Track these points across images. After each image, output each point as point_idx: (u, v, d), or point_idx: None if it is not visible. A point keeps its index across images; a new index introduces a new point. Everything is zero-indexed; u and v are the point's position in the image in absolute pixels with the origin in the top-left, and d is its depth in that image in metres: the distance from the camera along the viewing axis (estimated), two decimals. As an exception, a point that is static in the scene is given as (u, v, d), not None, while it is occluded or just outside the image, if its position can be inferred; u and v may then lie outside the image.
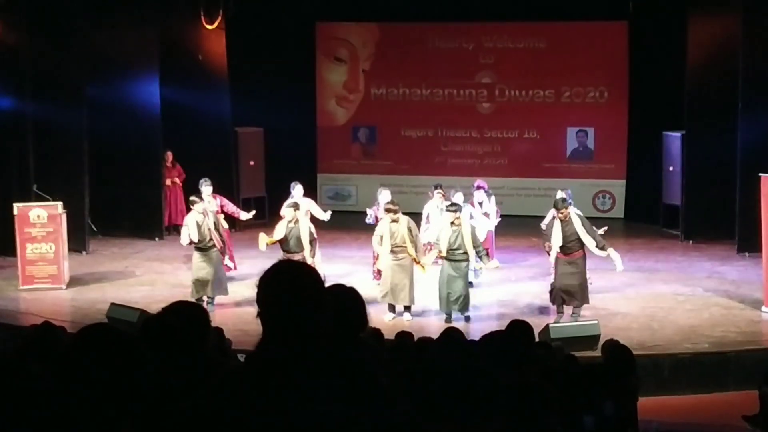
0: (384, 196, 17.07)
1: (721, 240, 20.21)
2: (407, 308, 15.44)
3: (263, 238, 15.95)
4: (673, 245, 20.90)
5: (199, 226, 15.74)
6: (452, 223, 15.09)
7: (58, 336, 8.97)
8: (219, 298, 16.00)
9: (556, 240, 14.82)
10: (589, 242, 14.84)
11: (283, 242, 15.68)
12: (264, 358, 3.42)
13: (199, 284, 15.81)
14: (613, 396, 9.16)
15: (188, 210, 16.72)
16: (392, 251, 15.36)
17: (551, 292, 15.20)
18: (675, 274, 18.37)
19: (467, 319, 15.21)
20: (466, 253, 15.01)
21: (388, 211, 15.44)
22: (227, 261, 16.65)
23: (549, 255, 15.06)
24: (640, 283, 17.64)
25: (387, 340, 10.04)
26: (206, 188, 17.08)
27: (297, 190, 17.30)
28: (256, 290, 3.50)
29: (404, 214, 17.54)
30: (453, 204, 15.96)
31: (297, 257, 15.12)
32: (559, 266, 15.06)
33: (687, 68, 20.68)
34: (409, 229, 15.36)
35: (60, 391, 3.65)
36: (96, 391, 3.55)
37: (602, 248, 14.96)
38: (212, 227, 15.87)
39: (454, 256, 15.03)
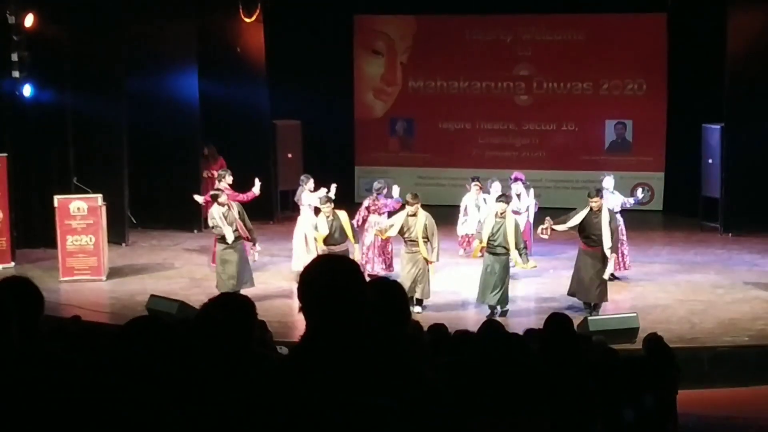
0: (395, 191, 17.03)
1: (761, 233, 20.08)
2: (419, 301, 15.38)
3: (319, 237, 15.80)
4: (712, 238, 20.78)
5: (225, 219, 15.63)
6: (497, 214, 15.02)
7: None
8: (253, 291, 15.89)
9: (572, 223, 14.90)
10: (606, 241, 14.76)
11: (328, 237, 15.65)
12: (308, 352, 3.44)
13: (225, 277, 15.62)
14: (653, 389, 9.14)
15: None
16: (406, 243, 15.41)
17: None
18: (714, 267, 18.25)
19: (504, 313, 15.13)
20: (504, 247, 14.90)
21: (407, 204, 15.37)
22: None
23: (550, 228, 15.03)
24: (680, 275, 17.57)
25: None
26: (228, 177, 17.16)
27: (309, 183, 17.15)
28: (297, 285, 3.53)
29: (441, 206, 17.54)
30: (503, 195, 15.90)
31: (339, 248, 15.14)
32: (581, 258, 15.10)
33: (727, 60, 20.51)
34: (425, 226, 15.23)
35: (106, 384, 3.69)
36: (142, 383, 3.59)
37: (611, 250, 14.87)
38: (237, 217, 15.65)
39: (493, 248, 14.91)
